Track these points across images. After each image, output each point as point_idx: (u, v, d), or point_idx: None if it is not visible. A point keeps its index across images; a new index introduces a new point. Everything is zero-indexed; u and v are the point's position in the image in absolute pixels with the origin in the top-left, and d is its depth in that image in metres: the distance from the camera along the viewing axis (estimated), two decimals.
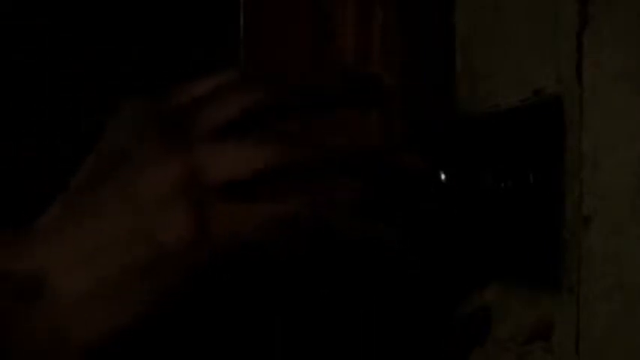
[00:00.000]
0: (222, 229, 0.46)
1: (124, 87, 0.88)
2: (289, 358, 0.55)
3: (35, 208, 0.86)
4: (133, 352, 0.46)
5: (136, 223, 0.45)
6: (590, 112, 0.59)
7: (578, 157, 0.59)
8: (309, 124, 0.50)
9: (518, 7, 0.65)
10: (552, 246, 0.60)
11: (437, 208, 0.59)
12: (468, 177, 0.60)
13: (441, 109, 0.69)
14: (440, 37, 0.74)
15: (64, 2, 0.86)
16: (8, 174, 0.85)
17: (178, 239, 0.45)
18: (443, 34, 0.74)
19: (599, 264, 0.58)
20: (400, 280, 0.58)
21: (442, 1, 0.73)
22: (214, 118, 0.47)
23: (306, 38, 0.81)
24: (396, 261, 0.58)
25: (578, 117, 0.59)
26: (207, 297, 0.47)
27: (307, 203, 0.48)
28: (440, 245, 0.61)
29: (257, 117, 0.48)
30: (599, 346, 0.58)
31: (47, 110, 0.86)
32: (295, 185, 0.48)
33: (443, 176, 0.61)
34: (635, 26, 0.56)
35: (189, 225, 0.45)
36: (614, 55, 0.57)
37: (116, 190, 0.46)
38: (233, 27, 0.86)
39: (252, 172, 0.47)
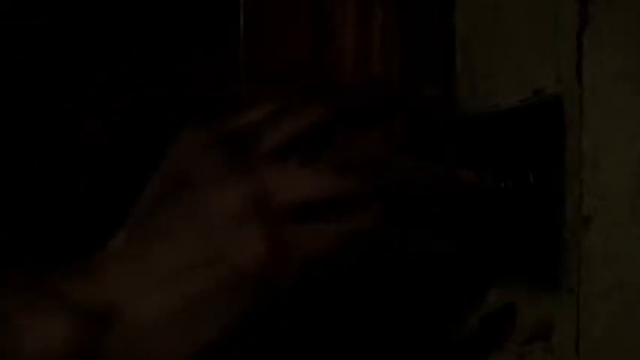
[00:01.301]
0: (297, 249, 0.46)
1: (124, 87, 0.88)
2: None
3: (35, 208, 0.86)
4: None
5: (208, 245, 0.45)
6: (590, 112, 0.59)
7: (578, 157, 0.59)
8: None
9: (518, 7, 0.65)
10: (552, 246, 0.60)
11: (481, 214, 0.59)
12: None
13: (441, 109, 0.69)
14: (440, 37, 0.74)
15: (64, 2, 0.86)
16: (8, 174, 0.85)
17: (254, 260, 0.45)
18: (443, 34, 0.74)
19: (599, 264, 0.58)
20: (452, 288, 0.60)
21: (442, 1, 0.73)
22: (273, 140, 0.48)
23: (306, 38, 0.81)
24: (454, 270, 0.59)
25: (578, 117, 0.59)
26: (283, 315, 0.47)
27: (373, 220, 0.48)
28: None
29: (313, 135, 0.49)
30: (599, 346, 0.58)
31: (47, 110, 0.86)
32: (359, 202, 0.48)
33: None
34: (635, 26, 0.56)
35: (265, 245, 0.45)
36: (614, 55, 0.57)
37: (184, 213, 0.46)
38: (233, 27, 0.86)
39: (319, 194, 0.47)
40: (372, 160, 0.50)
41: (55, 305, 0.45)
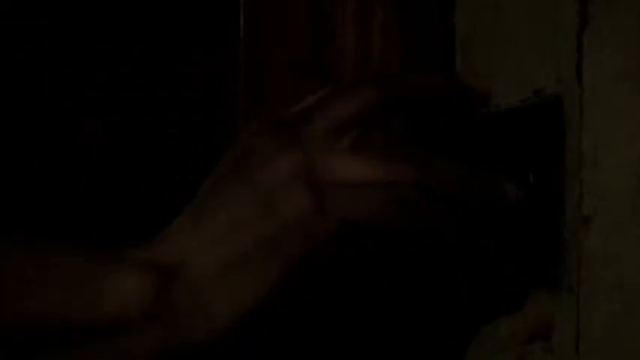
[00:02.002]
0: (339, 206, 0.52)
1: (124, 87, 0.88)
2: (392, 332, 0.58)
3: (34, 208, 0.86)
4: (266, 322, 0.52)
5: (261, 204, 0.51)
6: (590, 112, 0.59)
7: (578, 157, 0.59)
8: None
9: (518, 7, 0.65)
10: (552, 246, 0.60)
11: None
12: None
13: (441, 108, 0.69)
14: (440, 37, 0.74)
15: (64, 2, 0.86)
16: (8, 174, 0.85)
17: (299, 213, 0.51)
18: (443, 34, 0.74)
19: (599, 264, 0.58)
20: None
21: (442, 1, 0.73)
22: (325, 120, 0.53)
23: (306, 38, 0.81)
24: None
25: (578, 117, 0.59)
26: (315, 284, 0.53)
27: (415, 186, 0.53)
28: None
29: (364, 118, 0.54)
30: (599, 346, 0.58)
31: (47, 110, 0.86)
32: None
33: None
34: (635, 26, 0.56)
35: (309, 200, 0.51)
36: (614, 55, 0.57)
37: (242, 180, 0.52)
38: (233, 27, 0.86)
39: (364, 180, 0.52)
40: (418, 155, 0.54)
41: (127, 264, 0.51)
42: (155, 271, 0.51)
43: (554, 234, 0.60)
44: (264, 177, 0.52)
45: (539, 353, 0.62)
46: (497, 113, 0.65)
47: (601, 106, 0.58)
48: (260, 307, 0.51)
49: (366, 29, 0.77)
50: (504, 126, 0.63)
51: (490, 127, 0.64)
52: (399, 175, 0.53)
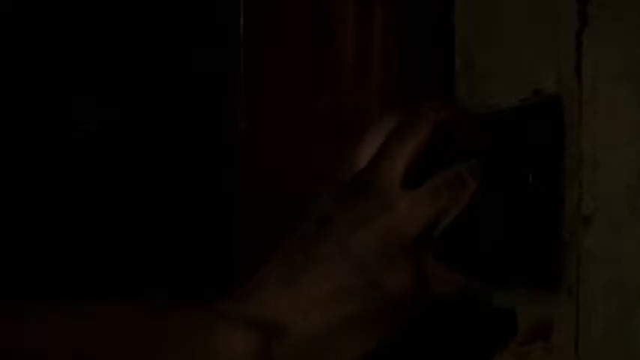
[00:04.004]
0: (435, 287, 0.57)
1: (124, 87, 0.88)
2: None
3: (34, 207, 0.86)
4: None
5: (361, 275, 0.55)
6: (590, 112, 0.59)
7: (578, 156, 0.59)
8: None
9: (518, 7, 0.65)
10: (552, 245, 0.60)
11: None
12: None
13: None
14: (440, 37, 0.74)
15: (64, 2, 0.86)
16: (7, 173, 0.85)
17: (404, 294, 0.55)
18: (443, 34, 0.74)
19: (599, 263, 0.58)
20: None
21: (442, 1, 0.73)
22: (396, 170, 0.57)
23: (306, 38, 0.81)
24: None
25: (577, 117, 0.59)
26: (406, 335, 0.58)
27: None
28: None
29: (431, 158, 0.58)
30: (598, 346, 0.58)
31: (46, 110, 0.86)
32: None
33: None
34: (635, 26, 0.56)
35: (413, 283, 0.55)
36: (614, 55, 0.57)
37: (332, 248, 0.55)
38: (233, 27, 0.86)
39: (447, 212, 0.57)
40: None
41: (233, 324, 0.54)
42: (260, 331, 0.54)
43: (554, 234, 0.60)
44: (358, 246, 0.55)
45: (539, 353, 0.62)
46: (497, 113, 0.65)
47: (600, 105, 0.58)
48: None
49: (366, 29, 0.77)
50: (504, 125, 0.63)
51: (489, 127, 0.64)
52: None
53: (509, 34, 0.66)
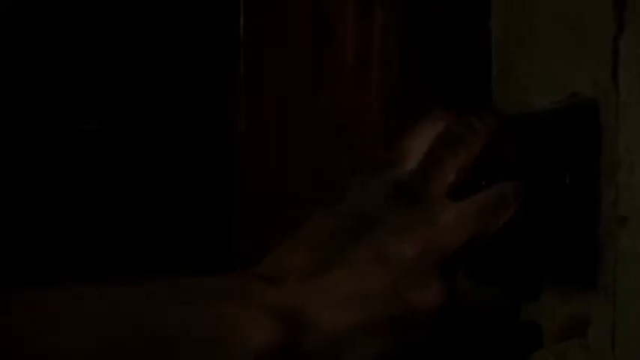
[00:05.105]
0: (463, 305, 0.59)
1: (124, 87, 0.88)
2: None
3: (33, 207, 0.86)
4: None
5: (389, 282, 0.55)
6: (626, 116, 0.59)
7: (614, 159, 0.60)
8: None
9: (555, 13, 0.66)
10: (588, 245, 0.61)
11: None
12: (508, 178, 0.61)
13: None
14: (440, 37, 0.74)
15: (64, 2, 0.86)
16: (8, 173, 0.85)
17: (431, 306, 0.56)
18: (443, 34, 0.74)
19: (635, 263, 0.59)
20: None
21: (477, 6, 0.73)
22: (444, 180, 0.59)
23: (306, 38, 0.81)
24: None
25: (614, 120, 0.60)
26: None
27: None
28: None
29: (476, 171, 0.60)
30: (635, 345, 0.59)
31: (46, 110, 0.87)
32: None
33: None
34: None
35: (441, 300, 0.56)
36: None
37: (369, 251, 0.56)
38: (233, 27, 0.86)
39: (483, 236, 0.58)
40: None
41: (257, 310, 0.53)
42: (284, 321, 0.53)
43: (591, 234, 0.61)
44: (391, 253, 0.55)
45: (576, 350, 0.63)
46: (535, 114, 0.65)
47: (636, 109, 0.59)
48: None
49: (366, 29, 0.77)
50: (542, 127, 0.64)
51: (527, 129, 0.64)
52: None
53: (545, 39, 0.67)
